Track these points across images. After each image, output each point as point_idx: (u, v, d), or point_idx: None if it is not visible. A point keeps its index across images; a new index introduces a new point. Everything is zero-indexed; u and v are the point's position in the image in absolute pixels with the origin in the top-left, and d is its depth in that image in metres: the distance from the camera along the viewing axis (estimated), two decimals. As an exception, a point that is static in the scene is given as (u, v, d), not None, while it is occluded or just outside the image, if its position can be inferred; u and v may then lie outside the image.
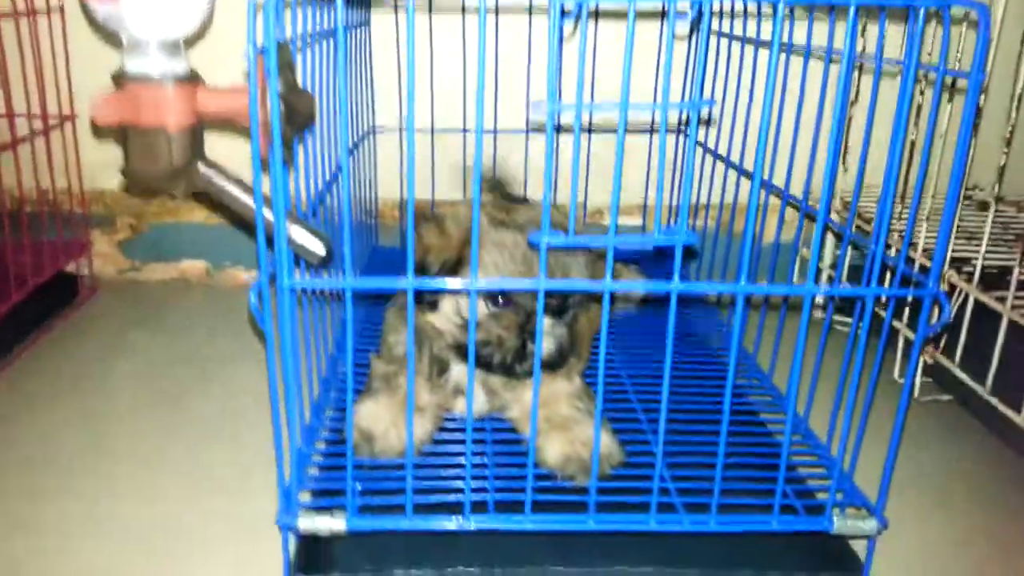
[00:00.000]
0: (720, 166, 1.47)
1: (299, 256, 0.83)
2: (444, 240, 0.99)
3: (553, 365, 1.00)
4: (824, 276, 1.65)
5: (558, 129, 1.64)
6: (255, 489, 1.07)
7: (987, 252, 1.20)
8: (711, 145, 1.51)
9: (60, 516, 1.01)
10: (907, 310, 1.34)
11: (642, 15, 1.57)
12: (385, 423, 0.99)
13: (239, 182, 0.79)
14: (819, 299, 1.61)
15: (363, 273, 1.59)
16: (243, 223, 1.60)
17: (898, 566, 0.99)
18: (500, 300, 0.96)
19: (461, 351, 0.99)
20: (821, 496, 0.96)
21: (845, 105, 0.97)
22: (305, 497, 0.94)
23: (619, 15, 1.62)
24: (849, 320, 1.48)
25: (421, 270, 0.95)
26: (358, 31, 1.44)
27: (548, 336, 0.98)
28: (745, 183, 1.41)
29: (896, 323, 1.33)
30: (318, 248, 0.81)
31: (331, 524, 0.87)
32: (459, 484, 0.91)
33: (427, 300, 0.99)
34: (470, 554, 0.91)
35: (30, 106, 1.46)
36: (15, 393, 1.29)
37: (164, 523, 1.01)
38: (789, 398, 0.90)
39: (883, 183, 0.82)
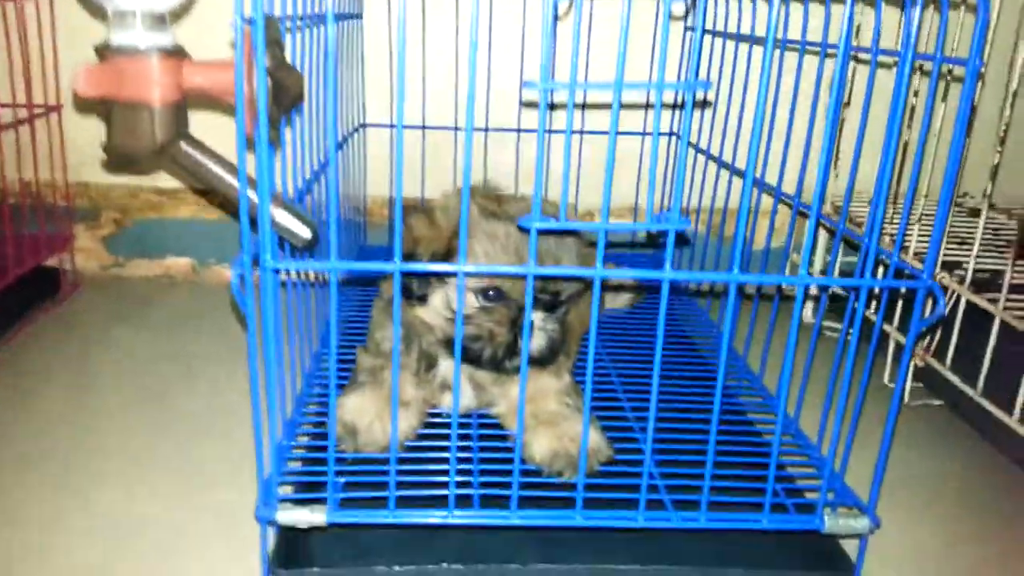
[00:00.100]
0: (712, 169, 1.47)
1: (284, 240, 0.82)
2: (434, 231, 0.98)
3: (543, 361, 0.98)
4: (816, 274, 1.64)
5: (551, 107, 1.63)
6: (240, 484, 1.05)
7: (977, 256, 1.20)
8: (702, 147, 1.51)
9: (46, 511, 0.99)
10: (898, 313, 1.33)
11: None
12: (369, 416, 0.97)
13: (223, 161, 0.78)
14: (808, 312, 1.61)
15: (351, 270, 1.56)
16: (231, 209, 1.59)
17: (889, 567, 0.98)
18: (491, 294, 0.94)
19: (450, 345, 0.97)
20: (811, 496, 0.95)
21: (842, 86, 0.97)
22: (288, 491, 0.92)
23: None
24: (838, 326, 1.48)
25: (411, 261, 0.93)
26: (350, 24, 1.43)
27: (540, 331, 0.96)
28: (737, 184, 1.41)
29: (887, 327, 1.32)
30: (303, 231, 0.80)
31: (311, 517, 0.85)
32: (444, 479, 0.89)
33: (416, 294, 0.97)
34: (454, 550, 0.89)
35: (15, 94, 1.43)
36: (-7, 386, 1.27)
37: (150, 518, 0.99)
38: (780, 394, 0.88)
39: (878, 172, 0.81)
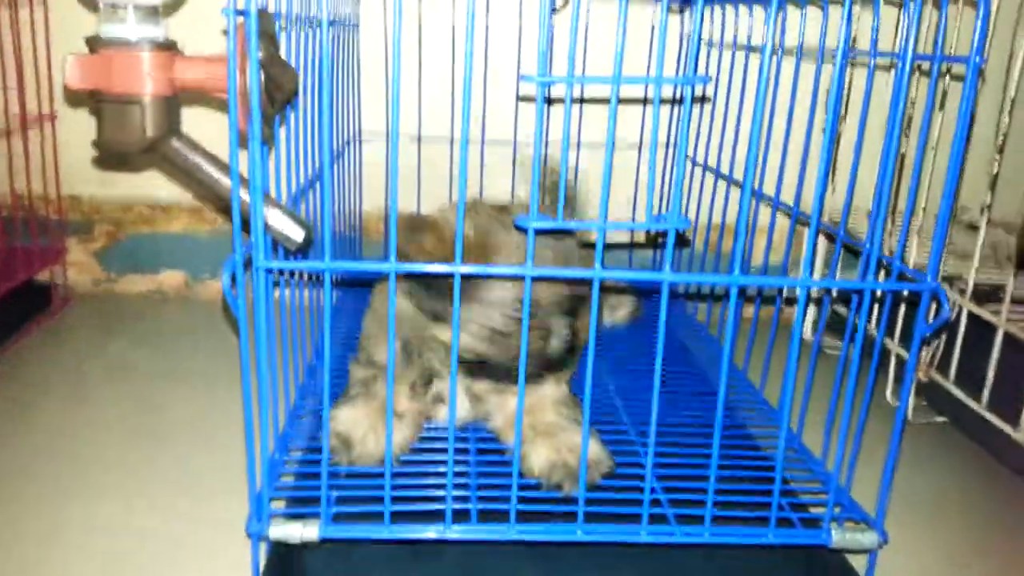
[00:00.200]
0: (708, 184, 1.46)
1: (277, 242, 0.80)
2: (444, 247, 0.95)
3: (561, 364, 0.97)
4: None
5: (548, 102, 1.62)
6: (237, 497, 1.02)
7: (977, 270, 1.18)
8: (699, 160, 1.50)
9: (43, 525, 0.97)
10: (899, 330, 1.31)
11: None
12: (363, 428, 0.95)
13: (216, 159, 0.76)
14: (808, 329, 1.59)
15: (346, 285, 1.55)
16: (226, 208, 1.56)
17: (897, 584, 0.95)
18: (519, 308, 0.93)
19: (483, 367, 0.95)
20: (816, 511, 0.93)
21: (841, 84, 0.96)
22: (280, 506, 0.89)
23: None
24: (839, 344, 1.46)
25: (427, 283, 0.90)
26: (345, 32, 1.42)
27: (556, 335, 0.95)
28: (735, 195, 1.40)
29: (888, 342, 1.30)
30: (296, 233, 0.78)
31: (303, 532, 0.82)
32: (440, 493, 0.86)
33: (438, 313, 0.93)
34: (452, 567, 0.86)
35: (8, 103, 1.41)
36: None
37: (147, 532, 0.96)
38: (784, 402, 0.86)
39: (878, 173, 0.80)
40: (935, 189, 1.20)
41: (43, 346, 1.45)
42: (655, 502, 0.88)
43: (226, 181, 0.75)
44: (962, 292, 1.19)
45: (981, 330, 1.16)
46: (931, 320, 0.80)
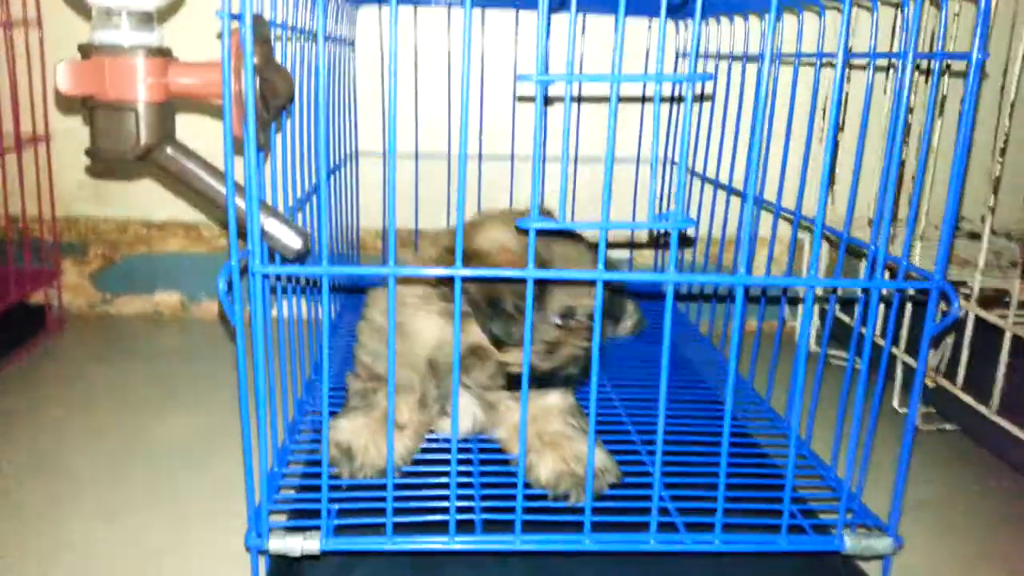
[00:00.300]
0: (707, 197, 1.45)
1: (274, 250, 0.79)
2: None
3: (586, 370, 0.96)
4: (816, 309, 1.62)
5: (547, 101, 1.62)
6: (234, 517, 1.00)
7: (982, 272, 1.17)
8: (698, 171, 1.50)
9: (43, 544, 0.95)
10: (905, 334, 1.29)
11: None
12: (364, 438, 0.93)
13: (211, 167, 0.75)
14: (812, 341, 1.58)
15: (345, 306, 1.54)
16: (221, 214, 1.55)
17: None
18: (565, 315, 0.93)
19: (540, 382, 0.94)
20: (826, 517, 0.91)
21: (842, 85, 0.96)
22: (282, 519, 0.87)
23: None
24: (844, 355, 1.44)
25: (494, 304, 0.89)
26: (340, 49, 1.42)
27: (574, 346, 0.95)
28: (735, 205, 1.39)
29: (895, 350, 1.29)
30: (293, 241, 0.77)
31: (304, 544, 0.80)
32: (444, 504, 0.84)
33: (503, 335, 0.90)
34: (455, 579, 0.84)
35: (2, 124, 1.41)
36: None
37: (152, 551, 0.95)
38: (793, 405, 0.85)
39: (881, 174, 0.79)
40: (935, 194, 1.20)
41: (37, 368, 1.43)
42: (663, 511, 0.86)
43: (222, 188, 0.74)
44: (967, 297, 1.18)
45: (987, 335, 1.15)
46: (939, 320, 0.79)
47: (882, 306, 1.28)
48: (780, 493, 0.85)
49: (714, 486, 0.82)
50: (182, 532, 0.98)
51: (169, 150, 0.72)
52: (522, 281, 0.90)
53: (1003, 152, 1.08)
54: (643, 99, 1.63)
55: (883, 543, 0.85)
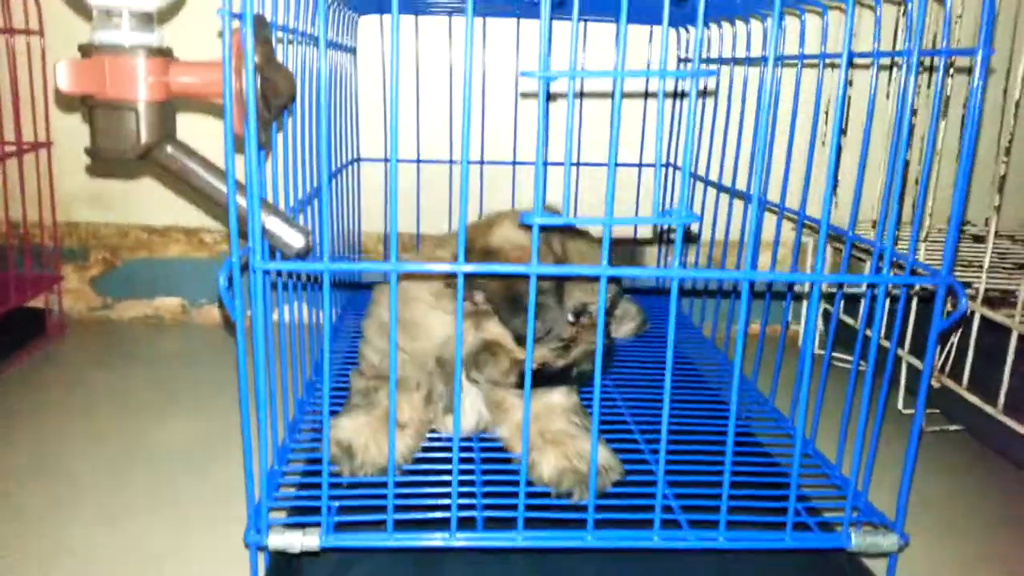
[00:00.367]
0: (710, 200, 1.45)
1: (275, 248, 0.78)
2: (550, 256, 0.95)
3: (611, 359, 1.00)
4: (821, 310, 1.61)
5: (549, 98, 1.62)
6: (234, 519, 0.99)
7: (987, 270, 1.17)
8: (700, 175, 1.50)
9: (44, 547, 0.95)
10: (909, 336, 1.29)
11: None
12: (365, 436, 0.93)
13: (212, 166, 0.75)
14: (816, 344, 1.57)
15: (346, 311, 1.53)
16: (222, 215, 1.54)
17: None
18: (578, 312, 0.94)
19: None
20: (831, 515, 0.90)
21: (846, 86, 0.95)
22: (282, 516, 0.87)
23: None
24: (848, 358, 1.44)
25: (515, 301, 0.89)
26: (342, 55, 1.42)
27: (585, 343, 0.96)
28: (738, 208, 1.39)
29: (900, 351, 1.28)
30: (295, 239, 0.76)
31: (304, 541, 0.79)
32: (445, 501, 0.83)
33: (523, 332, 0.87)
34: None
35: (3, 130, 1.41)
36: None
37: (153, 553, 0.94)
38: (798, 398, 0.84)
39: (886, 171, 0.78)
40: (938, 199, 1.20)
41: (38, 372, 1.43)
42: (667, 508, 0.85)
43: (223, 186, 0.74)
44: (973, 298, 1.18)
45: (993, 335, 1.15)
46: (946, 317, 0.79)
47: (887, 302, 1.27)
48: (785, 491, 0.85)
49: (718, 484, 0.82)
50: (183, 536, 0.97)
51: (169, 149, 0.72)
52: (546, 279, 0.91)
53: (1007, 152, 1.08)
54: (645, 95, 1.63)
55: (889, 540, 0.84)
